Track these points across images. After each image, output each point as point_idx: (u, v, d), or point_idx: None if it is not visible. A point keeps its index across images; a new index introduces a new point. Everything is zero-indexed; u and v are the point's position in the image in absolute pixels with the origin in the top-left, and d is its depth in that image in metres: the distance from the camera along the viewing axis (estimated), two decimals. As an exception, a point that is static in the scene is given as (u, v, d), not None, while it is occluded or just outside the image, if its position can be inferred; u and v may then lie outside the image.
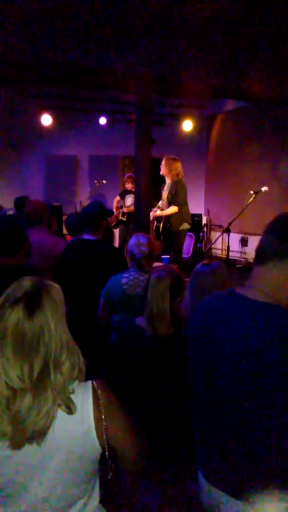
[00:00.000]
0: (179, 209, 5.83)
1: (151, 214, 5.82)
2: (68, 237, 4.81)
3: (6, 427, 1.11)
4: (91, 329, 2.99)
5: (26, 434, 1.12)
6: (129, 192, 7.60)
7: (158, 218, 6.05)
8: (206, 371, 1.31)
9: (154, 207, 5.99)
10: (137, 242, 2.79)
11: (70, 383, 1.19)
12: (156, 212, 5.98)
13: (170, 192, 5.87)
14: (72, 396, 1.18)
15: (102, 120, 8.44)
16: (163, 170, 5.90)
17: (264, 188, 5.49)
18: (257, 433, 1.20)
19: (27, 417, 1.11)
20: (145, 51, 4.78)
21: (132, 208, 7.33)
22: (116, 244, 7.67)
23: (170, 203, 5.87)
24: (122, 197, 7.75)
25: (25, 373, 1.11)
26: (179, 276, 2.11)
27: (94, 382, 1.24)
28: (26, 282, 1.20)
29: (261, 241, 1.30)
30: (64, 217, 4.39)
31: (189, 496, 1.87)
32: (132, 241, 2.83)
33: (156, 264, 3.08)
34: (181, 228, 5.96)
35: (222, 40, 5.11)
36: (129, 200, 7.54)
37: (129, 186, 7.64)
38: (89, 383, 1.24)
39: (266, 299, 1.23)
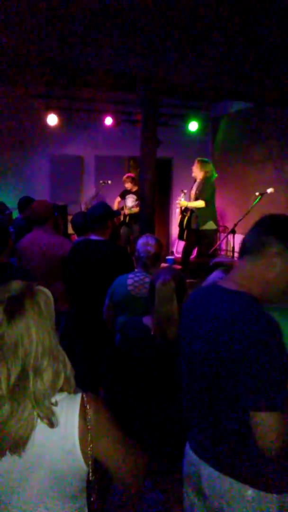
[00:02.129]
0: (206, 205, 5.90)
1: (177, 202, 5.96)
2: (73, 237, 4.82)
3: None
4: (98, 330, 2.99)
5: (5, 443, 1.07)
6: (129, 192, 7.59)
7: (183, 212, 6.13)
8: (185, 352, 1.47)
9: (179, 196, 6.17)
10: (145, 242, 2.80)
11: (53, 393, 1.13)
12: (181, 200, 6.08)
13: (197, 188, 5.98)
14: (56, 408, 1.12)
15: (108, 121, 8.44)
16: (194, 171, 6.07)
17: (269, 190, 5.49)
18: (222, 405, 1.32)
19: (5, 425, 1.07)
20: (149, 52, 4.78)
21: (134, 209, 7.33)
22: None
23: (196, 199, 5.96)
24: (123, 197, 7.74)
25: (2, 379, 1.08)
26: (182, 277, 2.11)
27: (84, 395, 1.17)
28: (13, 286, 1.17)
29: (243, 238, 1.46)
30: (69, 217, 4.40)
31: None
32: (141, 241, 2.83)
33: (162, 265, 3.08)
34: (206, 227, 5.99)
35: (229, 42, 5.11)
36: (130, 200, 7.53)
37: (128, 185, 7.63)
38: (78, 396, 1.17)
39: (239, 288, 1.37)
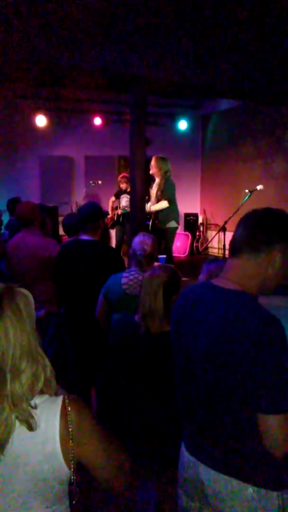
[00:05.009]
0: (168, 204, 5.86)
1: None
2: (64, 238, 4.80)
3: None
4: (88, 330, 2.98)
5: None
6: (124, 192, 7.59)
7: (148, 216, 6.07)
8: (183, 353, 1.43)
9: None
10: (141, 240, 2.80)
11: (33, 396, 1.11)
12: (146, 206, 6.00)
13: (159, 189, 5.92)
14: (36, 411, 1.10)
15: (97, 121, 8.43)
16: (152, 170, 5.94)
17: (259, 187, 5.53)
18: (225, 406, 1.30)
19: None
20: (138, 51, 4.78)
21: (128, 209, 7.30)
22: (113, 245, 7.65)
23: (158, 200, 5.91)
24: (117, 197, 7.72)
25: None
26: (175, 273, 2.11)
27: (66, 398, 1.15)
28: None
29: (234, 235, 1.41)
30: (60, 218, 4.39)
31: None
32: (137, 239, 2.83)
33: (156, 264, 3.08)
34: (168, 226, 5.97)
35: (216, 40, 5.12)
36: (124, 200, 7.52)
37: (123, 186, 7.63)
38: (60, 398, 1.15)
39: (237, 288, 1.34)
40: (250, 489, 1.31)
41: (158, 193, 5.93)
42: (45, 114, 8.02)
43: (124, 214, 7.36)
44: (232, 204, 6.27)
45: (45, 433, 1.10)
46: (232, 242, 1.41)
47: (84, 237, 3.09)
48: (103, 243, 3.22)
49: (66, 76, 5.08)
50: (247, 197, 5.49)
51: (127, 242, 7.35)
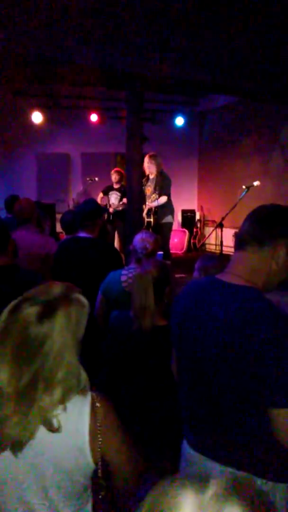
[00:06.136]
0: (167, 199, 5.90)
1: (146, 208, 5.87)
2: (62, 235, 4.79)
3: None
4: (87, 326, 2.98)
5: (4, 440, 1.07)
6: (112, 188, 7.46)
7: (148, 213, 6.08)
8: (189, 348, 1.41)
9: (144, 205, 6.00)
10: (142, 238, 2.80)
11: (62, 405, 1.12)
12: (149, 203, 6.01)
13: (156, 185, 5.93)
14: (66, 406, 1.13)
15: (93, 117, 8.40)
16: (150, 168, 5.95)
17: (256, 183, 5.53)
18: (234, 402, 1.29)
19: (5, 424, 1.07)
20: (134, 48, 4.76)
21: (119, 207, 7.20)
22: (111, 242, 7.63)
23: (159, 195, 5.92)
24: (106, 193, 7.53)
25: (13, 378, 1.08)
26: (165, 267, 2.10)
27: (94, 395, 1.18)
28: (55, 289, 1.17)
29: (241, 228, 1.40)
30: (57, 216, 4.38)
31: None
32: (138, 237, 2.83)
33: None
34: (164, 221, 5.98)
35: (213, 36, 5.11)
36: (113, 197, 7.39)
37: (113, 179, 7.38)
38: (89, 395, 1.18)
39: (244, 282, 1.33)
40: (258, 482, 1.32)
41: (156, 188, 5.95)
42: (42, 111, 7.99)
43: (116, 213, 7.28)
44: (229, 201, 6.27)
45: (75, 429, 1.12)
46: (238, 236, 1.41)
47: (82, 234, 3.09)
48: (101, 240, 3.22)
49: (62, 73, 5.07)
50: (244, 193, 5.49)
51: (121, 239, 7.33)
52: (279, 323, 1.22)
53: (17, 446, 1.08)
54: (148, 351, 2.00)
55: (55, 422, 1.09)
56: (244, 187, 5.57)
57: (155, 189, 6.00)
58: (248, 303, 1.27)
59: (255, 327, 1.21)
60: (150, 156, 5.99)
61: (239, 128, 8.44)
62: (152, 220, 6.06)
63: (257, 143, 7.99)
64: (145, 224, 6.01)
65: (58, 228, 4.22)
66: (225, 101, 8.51)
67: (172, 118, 8.88)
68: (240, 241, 1.39)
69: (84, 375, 1.16)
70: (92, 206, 3.13)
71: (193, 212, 9.56)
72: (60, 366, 1.11)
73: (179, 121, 8.91)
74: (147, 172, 6.05)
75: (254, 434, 1.29)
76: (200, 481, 1.34)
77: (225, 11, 5.08)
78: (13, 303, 1.14)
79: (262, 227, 1.35)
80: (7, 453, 1.09)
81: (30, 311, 1.10)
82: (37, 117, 7.99)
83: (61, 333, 1.11)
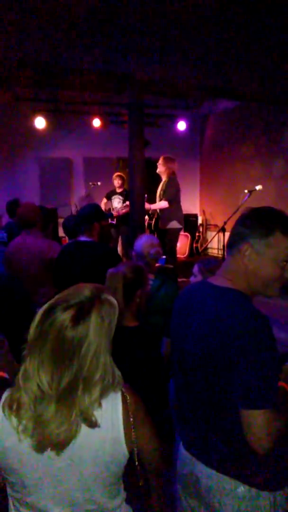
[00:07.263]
0: (169, 204, 5.86)
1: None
2: (64, 240, 4.80)
3: (28, 423, 1.12)
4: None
5: (46, 441, 1.12)
6: (115, 193, 7.51)
7: (150, 215, 6.08)
8: (179, 348, 1.47)
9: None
10: (150, 243, 2.79)
11: (99, 403, 1.17)
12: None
13: (161, 189, 5.95)
14: (101, 403, 1.17)
15: (96, 122, 8.43)
16: (159, 168, 5.99)
17: (258, 187, 5.52)
18: (215, 403, 1.32)
19: (48, 425, 1.11)
20: (136, 52, 4.79)
21: (123, 209, 7.25)
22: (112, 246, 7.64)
23: (161, 199, 5.93)
24: (109, 198, 7.60)
25: (55, 380, 1.11)
26: (139, 270, 2.09)
27: (123, 388, 1.23)
28: (85, 291, 1.19)
29: (230, 232, 1.47)
30: (60, 220, 4.38)
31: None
32: (143, 241, 2.81)
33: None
34: (169, 226, 5.96)
35: (214, 40, 5.13)
36: (116, 201, 7.45)
37: (116, 183, 7.51)
38: (119, 390, 1.23)
39: (229, 284, 1.38)
40: (242, 488, 1.31)
41: (161, 192, 5.97)
42: (44, 116, 8.02)
43: (120, 217, 7.32)
44: (232, 205, 6.27)
45: (111, 423, 1.18)
46: (228, 239, 1.48)
47: (83, 238, 3.10)
48: (102, 243, 3.23)
49: (63, 77, 5.09)
50: (246, 197, 5.49)
51: (124, 243, 7.34)
52: (252, 322, 1.23)
53: (59, 446, 1.12)
54: (115, 351, 1.98)
55: (93, 419, 1.14)
56: (246, 191, 5.57)
57: (160, 192, 6.03)
58: (223, 302, 1.32)
59: (228, 326, 1.24)
60: (163, 158, 6.03)
61: (240, 132, 8.45)
62: (153, 223, 6.06)
63: (259, 147, 8.00)
64: (146, 226, 6.04)
65: (61, 232, 4.22)
66: (226, 105, 8.52)
67: (174, 122, 8.89)
68: (228, 244, 1.47)
69: (118, 373, 1.20)
70: (88, 210, 3.15)
71: (195, 216, 9.56)
72: (97, 366, 1.14)
73: (181, 125, 8.93)
74: (157, 171, 6.10)
75: (235, 439, 1.28)
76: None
77: (226, 14, 5.10)
78: (45, 307, 1.16)
79: (235, 230, 1.42)
80: (46, 452, 1.14)
81: (65, 315, 1.12)
82: (39, 122, 8.02)
83: (96, 335, 1.13)
